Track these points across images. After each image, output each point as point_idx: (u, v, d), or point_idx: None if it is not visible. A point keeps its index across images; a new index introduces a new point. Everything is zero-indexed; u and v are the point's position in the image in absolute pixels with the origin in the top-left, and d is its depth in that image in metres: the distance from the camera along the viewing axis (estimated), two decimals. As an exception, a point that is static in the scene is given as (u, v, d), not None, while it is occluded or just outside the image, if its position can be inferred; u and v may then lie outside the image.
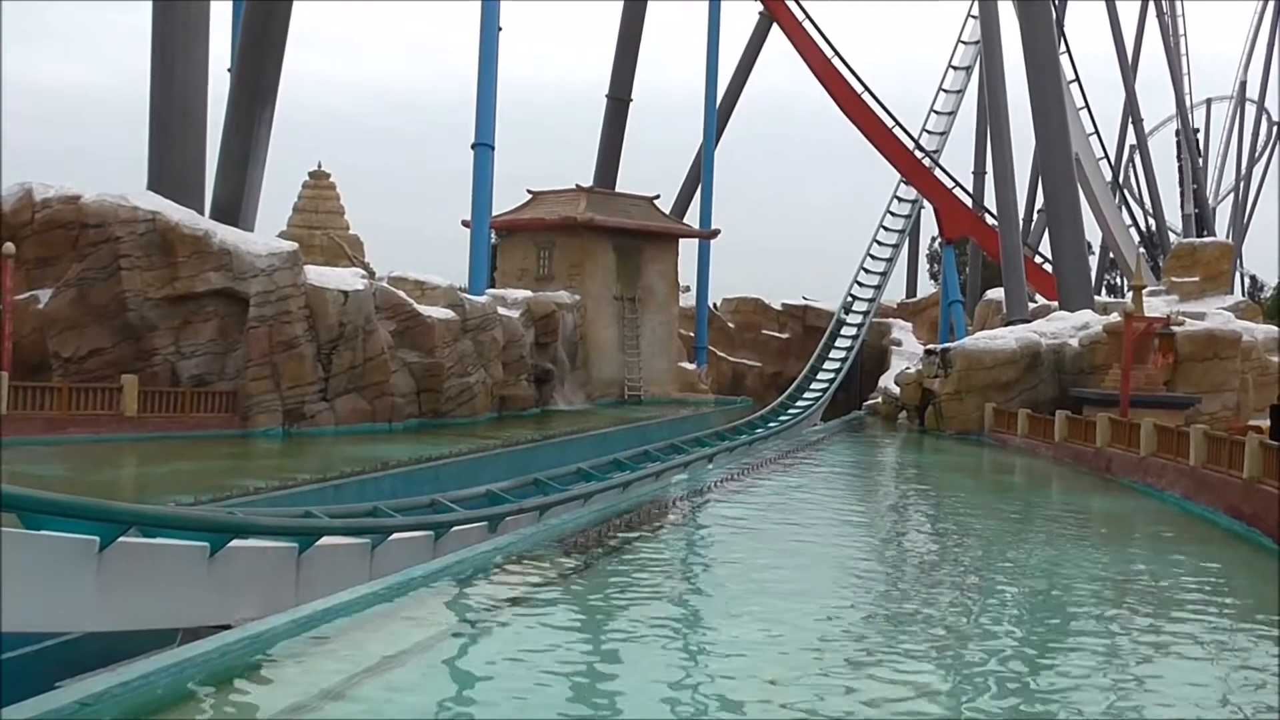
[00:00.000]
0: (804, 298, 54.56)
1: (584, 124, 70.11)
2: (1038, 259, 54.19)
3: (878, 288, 52.51)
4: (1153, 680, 8.88)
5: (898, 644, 9.41)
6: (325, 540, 12.59)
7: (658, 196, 44.61)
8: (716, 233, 47.19)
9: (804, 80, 51.43)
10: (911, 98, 59.57)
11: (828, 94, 50.29)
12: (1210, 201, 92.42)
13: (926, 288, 66.65)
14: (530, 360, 34.54)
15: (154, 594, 10.47)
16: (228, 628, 8.96)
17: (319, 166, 39.02)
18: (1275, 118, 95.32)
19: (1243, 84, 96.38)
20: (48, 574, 9.49)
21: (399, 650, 8.41)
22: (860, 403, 44.03)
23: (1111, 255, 68.27)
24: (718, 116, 51.00)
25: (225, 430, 24.71)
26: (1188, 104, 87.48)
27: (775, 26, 52.84)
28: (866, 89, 50.13)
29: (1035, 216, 65.38)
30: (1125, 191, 75.45)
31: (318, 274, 27.42)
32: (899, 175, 53.08)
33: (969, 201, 54.34)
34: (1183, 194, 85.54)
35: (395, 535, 14.03)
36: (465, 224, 37.14)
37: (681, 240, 45.11)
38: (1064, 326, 34.05)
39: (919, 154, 52.63)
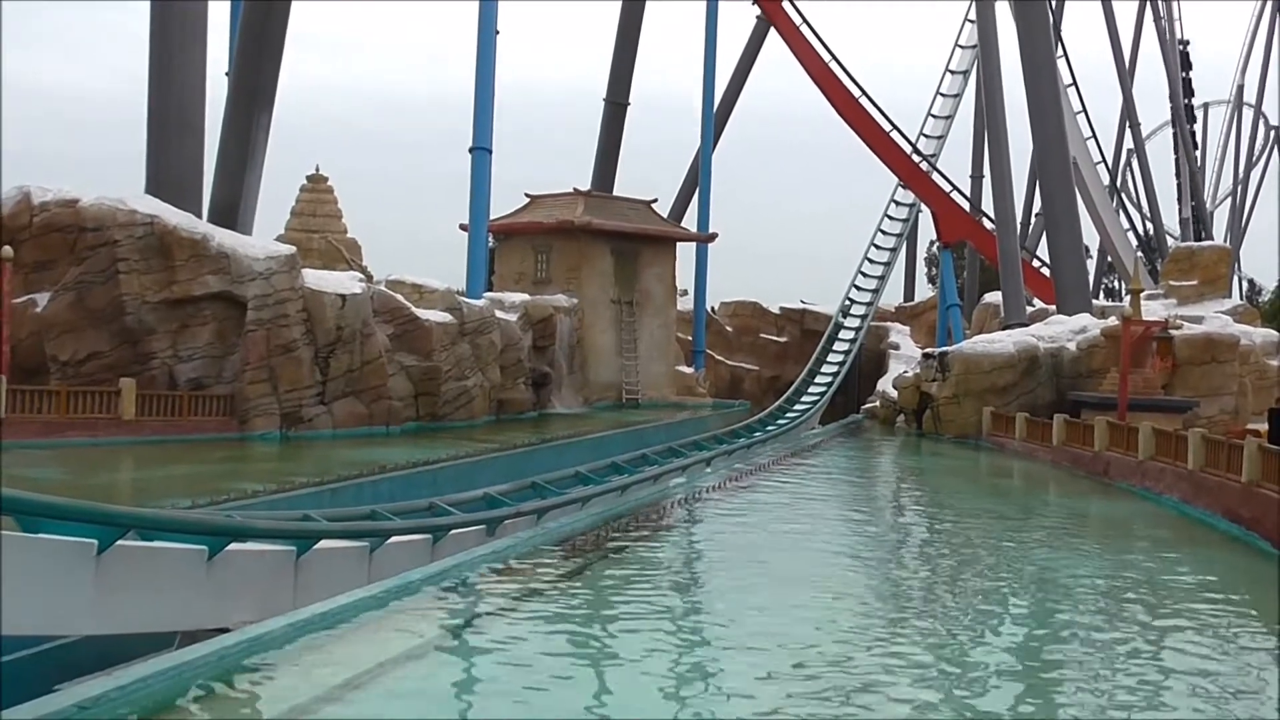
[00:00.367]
0: (802, 301, 54.63)
1: (582, 128, 70.09)
2: (1035, 263, 54.26)
3: (875, 291, 52.54)
4: (1152, 684, 8.87)
5: (897, 646, 9.40)
6: (323, 544, 12.58)
7: (655, 200, 44.66)
8: (714, 236, 47.22)
9: (801, 84, 51.53)
10: (909, 102, 59.65)
11: (825, 98, 50.33)
12: (1208, 205, 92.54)
13: (924, 291, 66.76)
14: (528, 364, 34.54)
15: (152, 597, 10.46)
16: (226, 631, 8.94)
17: (317, 170, 39.00)
18: (1273, 122, 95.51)
19: (1240, 88, 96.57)
20: (46, 577, 9.49)
21: (397, 654, 8.40)
22: (858, 406, 44.01)
23: (1109, 259, 68.34)
24: (715, 120, 51.03)
25: (223, 433, 24.70)
26: (1194, 103, 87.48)
27: (772, 30, 52.89)
28: (864, 93, 50.20)
29: (1033, 220, 65.47)
30: (1123, 195, 75.53)
31: (315, 277, 27.42)
32: (896, 179, 53.11)
33: (966, 205, 54.40)
34: (1180, 197, 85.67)
35: (393, 539, 14.01)
36: (463, 227, 37.17)
37: (679, 244, 45.12)
38: (1062, 330, 34.06)
39: (916, 158, 52.70)
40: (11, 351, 23.43)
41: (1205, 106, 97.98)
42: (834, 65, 50.06)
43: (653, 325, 42.21)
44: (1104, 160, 66.09)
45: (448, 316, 30.50)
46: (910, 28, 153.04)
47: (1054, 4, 58.61)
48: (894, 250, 54.74)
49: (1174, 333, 31.66)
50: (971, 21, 53.74)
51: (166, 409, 24.35)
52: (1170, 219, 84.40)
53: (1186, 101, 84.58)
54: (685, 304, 47.24)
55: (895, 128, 51.22)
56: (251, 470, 20.55)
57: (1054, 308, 38.81)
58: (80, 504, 10.16)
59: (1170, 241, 74.39)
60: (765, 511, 17.51)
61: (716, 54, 49.63)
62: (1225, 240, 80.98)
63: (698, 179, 49.70)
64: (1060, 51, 55.21)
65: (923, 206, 54.18)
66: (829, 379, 48.06)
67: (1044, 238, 47.60)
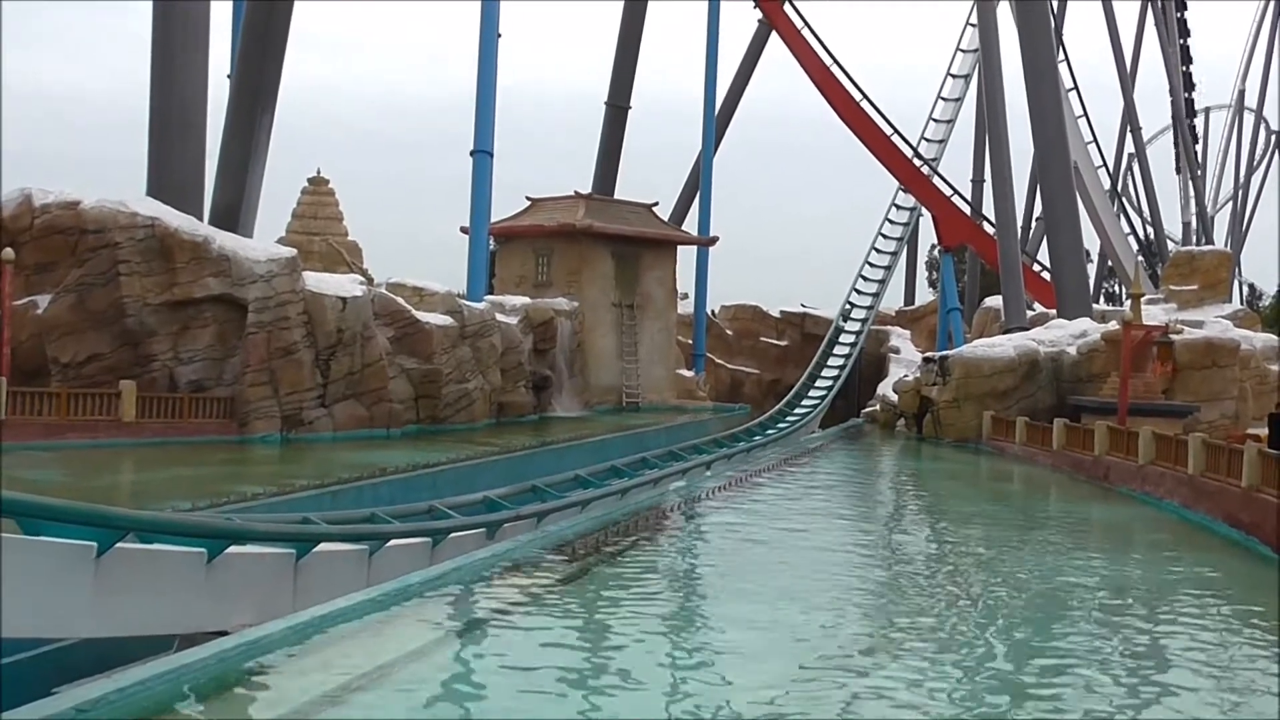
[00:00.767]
0: (802, 305, 54.63)
1: (583, 131, 70.15)
2: (1036, 267, 54.24)
3: (876, 295, 52.57)
4: (1151, 689, 8.87)
5: (896, 649, 9.40)
6: (323, 547, 12.59)
7: (656, 203, 44.66)
8: (715, 240, 47.22)
9: (803, 87, 51.56)
10: (910, 105, 59.70)
11: (826, 101, 50.35)
12: (1209, 210, 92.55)
13: (925, 295, 66.76)
14: (528, 367, 34.54)
15: (151, 600, 10.47)
16: (225, 634, 8.94)
17: (318, 172, 39.00)
18: (1274, 126, 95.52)
19: (1241, 93, 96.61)
20: (45, 579, 9.49)
21: (396, 657, 8.40)
22: (858, 410, 44.01)
23: (1110, 263, 68.34)
24: (716, 124, 51.05)
25: (223, 436, 24.70)
26: (1194, 99, 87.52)
27: (774, 34, 52.91)
28: (865, 96, 50.23)
29: (1034, 224, 65.45)
30: (1124, 199, 75.54)
31: (316, 280, 27.42)
32: (897, 183, 53.13)
33: (967, 209, 54.41)
34: (1183, 201, 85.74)
35: (393, 542, 14.02)
36: (464, 230, 37.16)
37: (680, 247, 45.12)
38: (1062, 334, 34.06)
39: (917, 162, 52.72)
40: (12, 353, 23.42)
41: (1206, 111, 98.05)
42: (835, 68, 50.08)
43: (653, 328, 42.21)
44: (1105, 164, 66.12)
45: (448, 319, 30.51)
46: (911, 31, 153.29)
47: (1055, 7, 58.60)
48: (895, 254, 54.77)
49: (1174, 337, 31.66)
50: (973, 25, 53.75)
51: (167, 411, 24.34)
52: (1171, 223, 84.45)
53: (1188, 95, 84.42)
54: (686, 307, 47.24)
55: (896, 131, 51.26)
56: (251, 473, 20.55)
57: (1054, 312, 38.79)
58: (80, 506, 10.17)
59: (1171, 246, 74.42)
60: (765, 515, 17.50)
61: (718, 57, 49.65)
62: (1226, 245, 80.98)
63: (699, 182, 49.69)
64: (1061, 55, 55.23)
65: (923, 210, 54.17)
66: (829, 383, 48.08)
67: (1045, 242, 47.57)
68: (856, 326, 51.20)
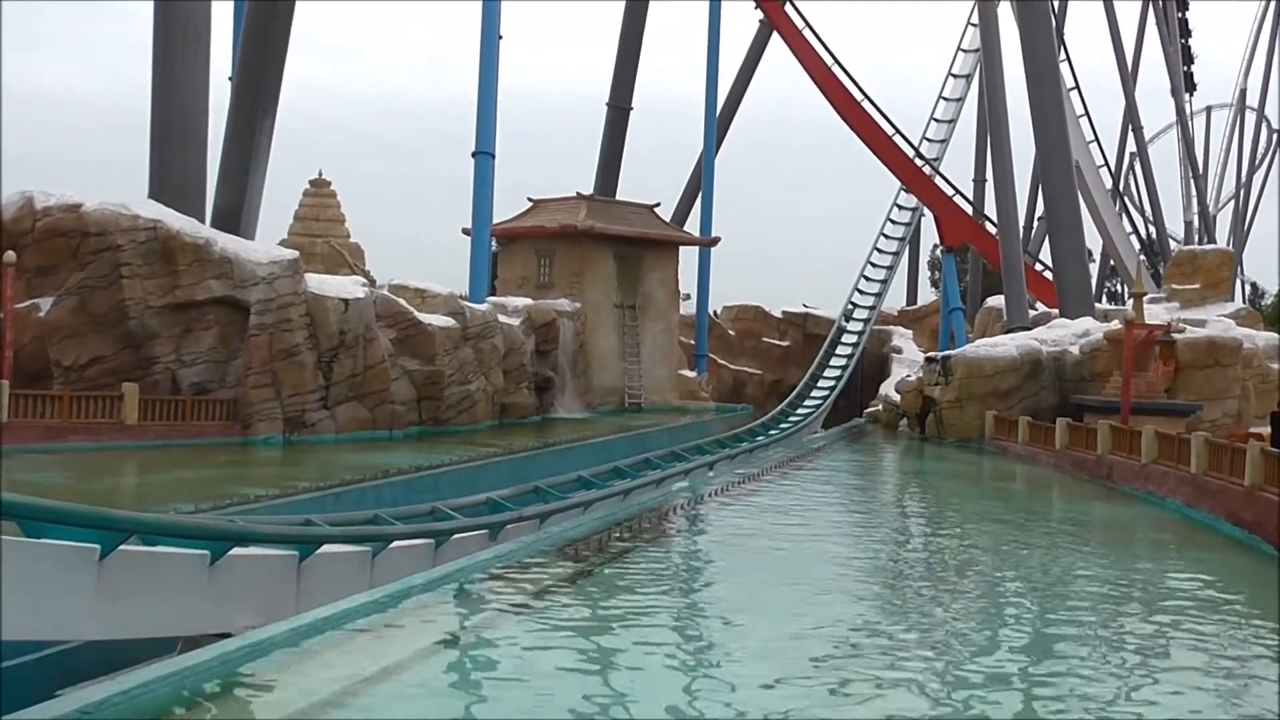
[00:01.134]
0: (804, 305, 54.63)
1: (584, 132, 70.23)
2: (1038, 266, 54.22)
3: (878, 295, 52.58)
4: (1153, 688, 8.86)
5: (899, 649, 9.39)
6: (326, 548, 12.58)
7: (658, 204, 44.66)
8: (717, 240, 47.22)
9: (804, 88, 51.56)
10: (911, 106, 59.70)
11: (828, 102, 50.35)
12: (1211, 209, 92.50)
13: (927, 295, 66.69)
14: (531, 368, 34.54)
15: (154, 602, 10.46)
16: (228, 636, 8.94)
17: (320, 174, 39.07)
18: (1275, 125, 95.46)
19: (1243, 91, 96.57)
20: (48, 582, 9.49)
21: (399, 658, 8.39)
22: (861, 410, 44.04)
23: (1112, 262, 68.32)
24: (718, 125, 51.06)
25: (226, 438, 24.72)
26: (1187, 111, 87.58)
27: (775, 35, 52.90)
28: (866, 97, 50.24)
29: (1035, 224, 65.38)
30: (1125, 199, 75.51)
31: (318, 282, 27.43)
32: (899, 183, 53.12)
33: (969, 209, 54.39)
34: (1185, 201, 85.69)
35: (396, 543, 14.02)
36: (466, 232, 37.17)
37: (682, 248, 45.12)
38: (1065, 334, 34.06)
39: (919, 162, 52.71)
40: (14, 356, 23.45)
41: (1208, 110, 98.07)
42: (836, 69, 50.09)
43: (655, 329, 42.20)
44: (1106, 164, 66.07)
45: (450, 321, 30.51)
46: (913, 31, 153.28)
47: (1056, 7, 58.59)
48: (897, 254, 54.79)
49: (1177, 336, 31.66)
50: (974, 25, 53.75)
51: (169, 414, 24.36)
52: (1173, 222, 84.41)
53: (1188, 74, 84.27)
54: (688, 308, 47.22)
55: (898, 131, 51.26)
56: (254, 475, 20.55)
57: (1057, 311, 38.79)
58: (82, 509, 10.16)
59: (1173, 245, 74.39)
60: (768, 516, 17.49)
61: (719, 58, 49.66)
62: (1228, 243, 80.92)
63: (700, 183, 49.69)
64: (1063, 55, 55.23)
65: (925, 210, 54.18)
66: (832, 383, 48.08)
67: (1046, 241, 47.56)
68: (859, 327, 51.20)
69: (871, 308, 51.97)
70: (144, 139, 27.36)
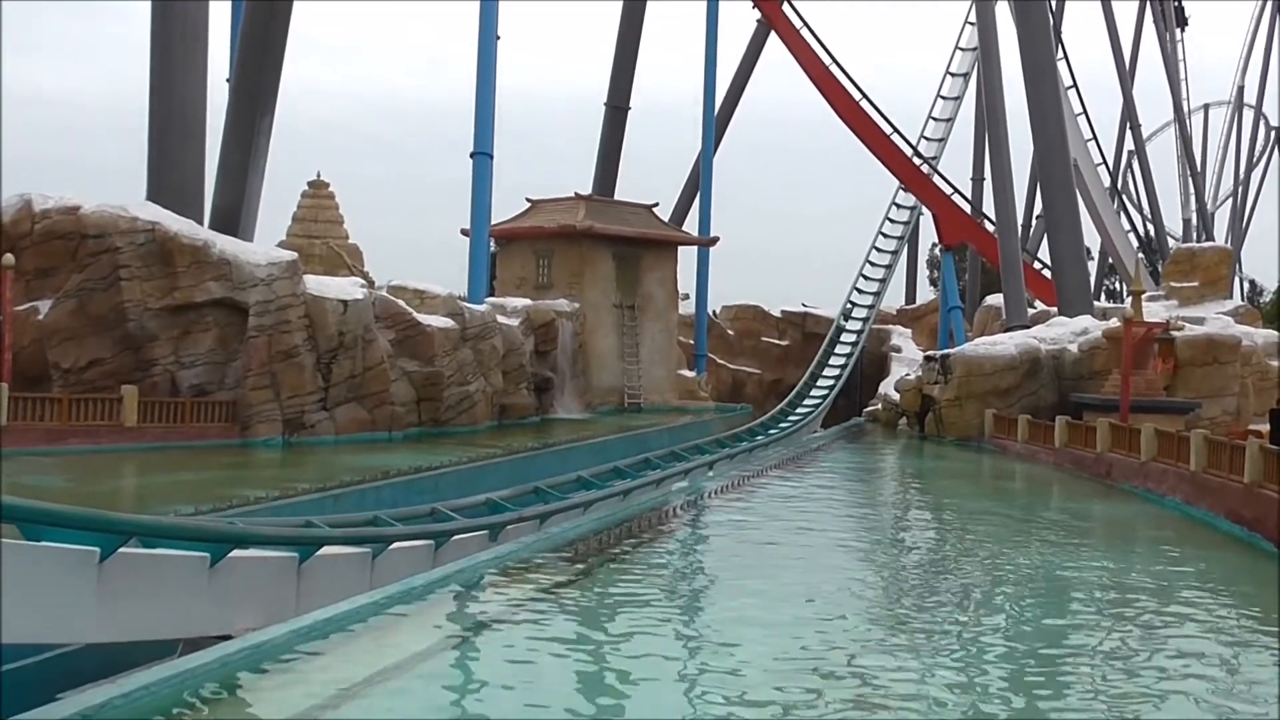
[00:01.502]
0: (803, 305, 54.63)
1: (582, 132, 70.21)
2: (1037, 265, 54.23)
3: (877, 294, 52.57)
4: (1153, 685, 8.86)
5: (900, 649, 9.40)
6: (326, 550, 12.57)
7: (656, 204, 44.66)
8: (715, 240, 47.22)
9: (802, 87, 51.54)
10: (909, 104, 59.65)
11: (825, 101, 50.34)
12: (1209, 206, 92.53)
13: (926, 294, 66.74)
14: (530, 369, 34.54)
15: (155, 605, 10.45)
16: (229, 638, 8.94)
17: (318, 176, 39.07)
18: (1273, 123, 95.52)
19: (1240, 89, 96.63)
20: (48, 585, 9.48)
21: (400, 660, 8.40)
22: (860, 409, 44.04)
23: (1110, 261, 68.32)
24: (716, 124, 51.04)
25: (225, 440, 24.72)
26: (1185, 109, 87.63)
27: (773, 34, 52.90)
28: (864, 96, 50.22)
29: (1034, 222, 65.43)
30: (1124, 197, 75.51)
31: (317, 283, 27.43)
32: (897, 182, 53.11)
33: (968, 208, 54.40)
34: (1184, 199, 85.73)
35: (396, 544, 14.00)
36: (464, 233, 37.17)
37: (681, 248, 45.12)
38: (1063, 332, 34.07)
39: (917, 160, 52.70)
40: (13, 359, 23.45)
41: (1206, 108, 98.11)
42: (834, 68, 50.07)
43: (654, 329, 42.20)
44: (1105, 162, 66.08)
45: (449, 322, 30.51)
46: (911, 30, 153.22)
47: (1054, 5, 58.61)
48: (895, 253, 54.77)
49: (1175, 334, 31.68)
50: (972, 24, 53.76)
51: (168, 415, 24.36)
52: (1171, 220, 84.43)
53: (1178, 7, 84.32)
54: (687, 308, 47.21)
55: (896, 130, 51.25)
56: (253, 476, 20.55)
57: (1055, 309, 38.80)
58: (82, 511, 10.15)
59: (1171, 243, 74.40)
60: (768, 515, 17.49)
61: (717, 58, 49.65)
62: (1226, 241, 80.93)
63: (699, 183, 49.69)
64: (1061, 53, 55.22)
65: (924, 209, 54.18)
66: (831, 382, 48.07)
67: (1045, 240, 47.58)
68: (858, 326, 51.20)
69: (870, 306, 51.96)
70: (142, 141, 27.37)
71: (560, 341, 36.94)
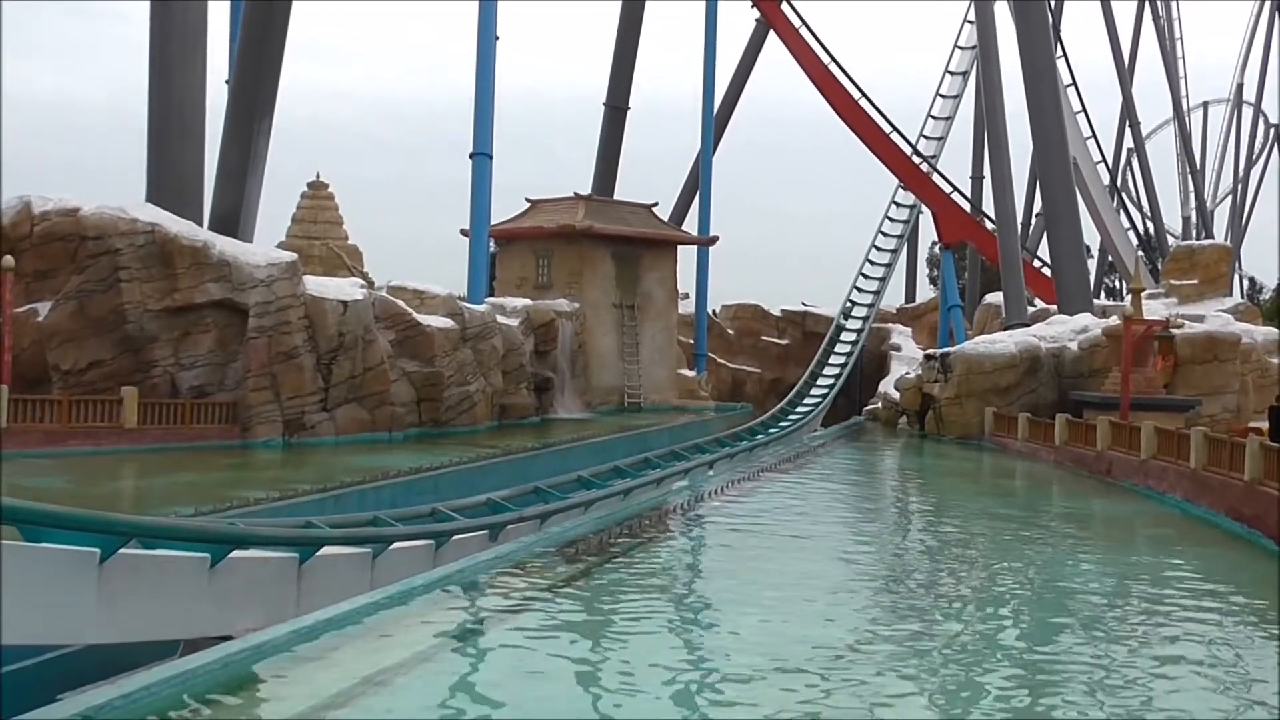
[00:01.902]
0: (803, 304, 54.60)
1: (582, 132, 70.26)
2: (1036, 263, 54.23)
3: (877, 293, 52.54)
4: (1154, 683, 8.86)
5: (901, 648, 9.40)
6: (326, 550, 12.58)
7: (656, 204, 44.64)
8: (715, 239, 47.21)
9: (801, 87, 51.52)
10: (909, 103, 59.65)
11: (825, 100, 50.32)
12: (1209, 204, 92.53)
13: (925, 293, 66.74)
14: (530, 368, 34.53)
15: (155, 605, 10.46)
16: (229, 638, 8.95)
17: (317, 177, 39.11)
18: (1272, 120, 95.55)
19: (1239, 86, 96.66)
20: (48, 586, 9.48)
21: (401, 660, 8.40)
22: (860, 408, 44.03)
23: (1110, 258, 68.32)
24: (715, 124, 50.99)
25: (225, 441, 24.72)
26: (1185, 107, 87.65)
27: (772, 34, 52.89)
28: (864, 95, 50.18)
29: (1033, 220, 65.45)
30: (1123, 195, 75.52)
31: (317, 284, 27.42)
32: (896, 180, 53.10)
33: (967, 206, 54.39)
34: (1183, 197, 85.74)
35: (396, 545, 14.01)
36: (464, 233, 37.16)
37: (680, 247, 45.10)
38: (1063, 330, 34.06)
39: (916, 159, 52.69)
40: (13, 361, 23.43)
41: (1205, 105, 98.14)
42: (833, 67, 50.05)
43: (654, 329, 42.19)
44: (1104, 160, 66.07)
45: (449, 322, 30.50)
46: (910, 29, 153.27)
47: (1053, 4, 58.60)
48: (895, 252, 54.74)
49: (1175, 332, 31.67)
50: (971, 22, 53.75)
51: (168, 417, 24.36)
52: (1171, 218, 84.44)
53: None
54: (686, 307, 47.20)
55: (895, 129, 51.23)
56: (254, 477, 20.56)
57: (1055, 308, 38.80)
58: (82, 513, 10.15)
59: (1170, 240, 74.41)
60: (768, 515, 17.50)
61: (716, 57, 49.58)
62: (1226, 239, 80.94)
63: (698, 182, 49.65)
64: (1060, 51, 55.20)
65: (923, 208, 54.16)
66: (831, 381, 48.04)
67: (1045, 238, 47.58)
68: (858, 324, 51.17)
69: (870, 305, 51.94)
70: (141, 142, 27.36)
71: (560, 341, 36.93)
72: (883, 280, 53.07)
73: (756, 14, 54.22)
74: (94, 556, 9.77)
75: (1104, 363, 31.31)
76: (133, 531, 10.32)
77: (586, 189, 45.22)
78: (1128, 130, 77.08)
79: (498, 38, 35.87)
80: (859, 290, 52.60)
